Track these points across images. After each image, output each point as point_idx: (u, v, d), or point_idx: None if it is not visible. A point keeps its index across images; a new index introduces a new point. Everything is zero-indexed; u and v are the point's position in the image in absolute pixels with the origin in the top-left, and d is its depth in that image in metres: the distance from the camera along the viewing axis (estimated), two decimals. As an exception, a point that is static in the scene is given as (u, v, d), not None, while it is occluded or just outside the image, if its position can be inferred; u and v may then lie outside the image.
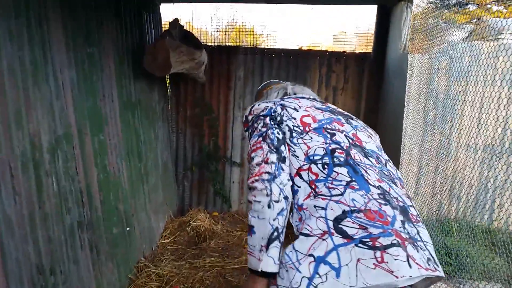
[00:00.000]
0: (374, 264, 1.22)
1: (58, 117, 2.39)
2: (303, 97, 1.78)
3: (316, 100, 1.81)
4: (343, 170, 1.41)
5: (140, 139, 3.56)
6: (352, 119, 1.70)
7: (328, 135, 1.52)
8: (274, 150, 1.48)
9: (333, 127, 1.56)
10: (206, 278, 3.36)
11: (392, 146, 3.73)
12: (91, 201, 2.70)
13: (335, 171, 1.41)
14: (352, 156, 1.46)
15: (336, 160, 1.44)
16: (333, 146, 1.48)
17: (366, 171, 1.43)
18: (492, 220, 4.91)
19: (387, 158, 1.60)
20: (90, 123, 2.73)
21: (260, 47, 4.55)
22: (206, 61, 3.88)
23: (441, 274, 1.31)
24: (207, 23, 5.09)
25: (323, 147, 1.47)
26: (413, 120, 3.93)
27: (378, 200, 1.35)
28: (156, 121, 4.02)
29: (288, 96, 1.80)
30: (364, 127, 1.68)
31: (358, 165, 1.44)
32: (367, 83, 4.35)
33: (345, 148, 1.48)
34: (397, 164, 3.52)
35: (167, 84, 4.40)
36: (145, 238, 3.62)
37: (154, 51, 3.39)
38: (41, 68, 2.23)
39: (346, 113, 1.74)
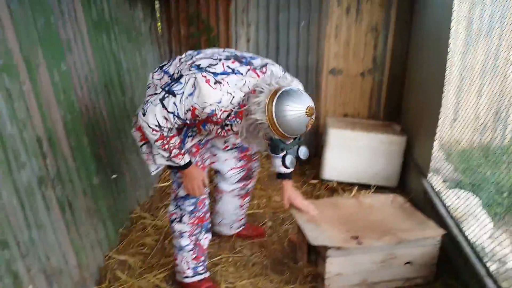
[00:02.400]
0: None
1: (-9, 44, 1.77)
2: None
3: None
4: None
5: (121, 66, 2.93)
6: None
7: None
8: None
9: None
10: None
11: (434, 65, 3.04)
12: (55, 150, 2.13)
13: None
14: None
15: None
16: None
17: None
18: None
19: None
20: (43, 50, 2.09)
21: None
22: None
23: None
24: None
25: None
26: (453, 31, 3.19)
27: None
28: (142, 43, 3.35)
29: None
30: None
31: None
32: (398, -14, 3.55)
33: None
34: (441, 86, 2.85)
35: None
36: (140, 184, 3.11)
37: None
38: None
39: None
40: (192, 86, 1.81)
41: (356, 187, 3.44)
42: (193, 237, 2.28)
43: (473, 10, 3.60)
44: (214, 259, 2.60)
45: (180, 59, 2.08)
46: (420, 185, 3.16)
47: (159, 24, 3.73)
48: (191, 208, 2.22)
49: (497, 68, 4.13)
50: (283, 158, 2.07)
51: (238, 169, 2.48)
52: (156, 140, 1.94)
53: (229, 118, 1.89)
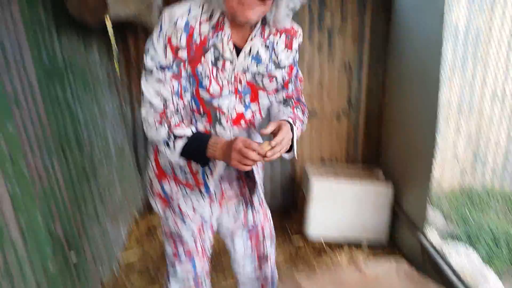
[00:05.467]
0: None
1: None
2: None
3: None
4: None
5: (78, 120, 2.45)
6: None
7: None
8: None
9: None
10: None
11: (421, 101, 2.83)
12: (1, 236, 1.63)
13: None
14: None
15: None
16: None
17: None
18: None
19: None
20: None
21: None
22: (159, 1, 2.74)
23: None
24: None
25: None
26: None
27: None
28: (100, 91, 2.89)
29: None
30: None
31: None
32: (370, 21, 3.39)
33: None
34: (433, 124, 2.64)
35: (112, 39, 3.21)
36: (102, 258, 2.59)
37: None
38: None
39: None
40: (158, 22, 1.45)
41: (346, 246, 3.11)
42: None
43: (445, 42, 3.53)
44: None
45: None
46: (414, 240, 2.85)
47: (116, 66, 3.27)
48: None
49: (472, 104, 4.04)
50: None
51: None
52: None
53: (211, 34, 1.45)
